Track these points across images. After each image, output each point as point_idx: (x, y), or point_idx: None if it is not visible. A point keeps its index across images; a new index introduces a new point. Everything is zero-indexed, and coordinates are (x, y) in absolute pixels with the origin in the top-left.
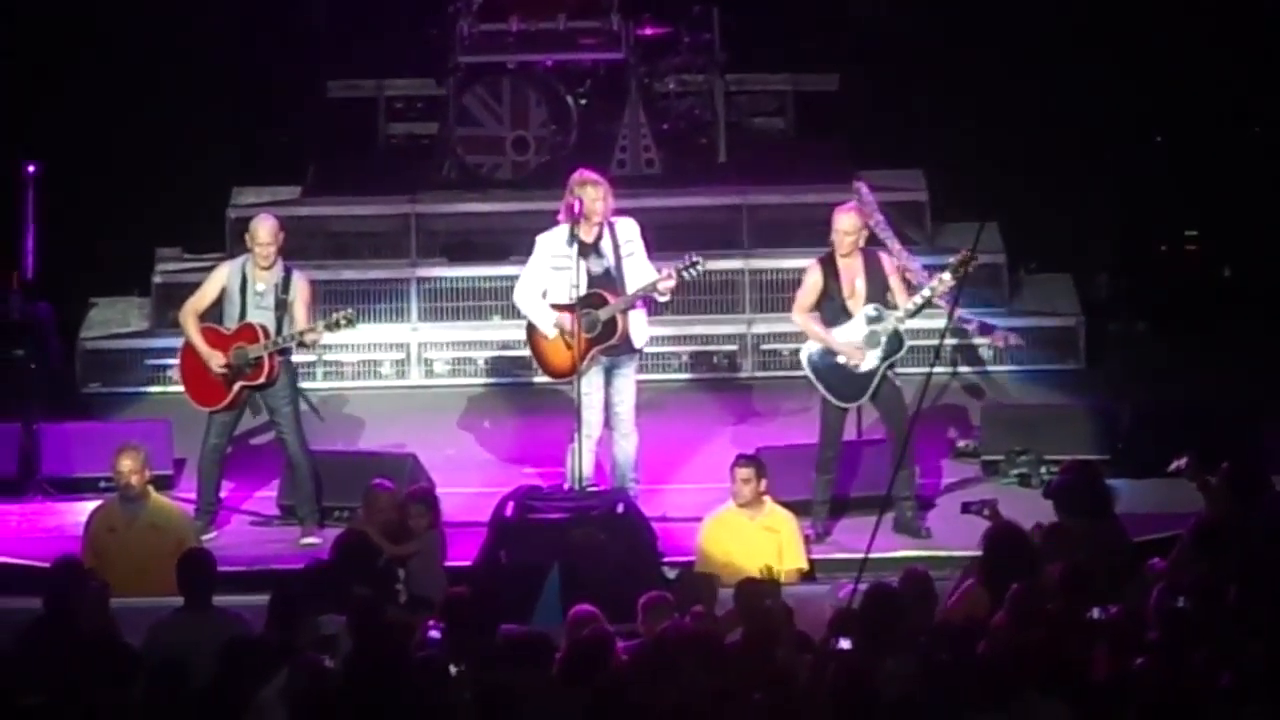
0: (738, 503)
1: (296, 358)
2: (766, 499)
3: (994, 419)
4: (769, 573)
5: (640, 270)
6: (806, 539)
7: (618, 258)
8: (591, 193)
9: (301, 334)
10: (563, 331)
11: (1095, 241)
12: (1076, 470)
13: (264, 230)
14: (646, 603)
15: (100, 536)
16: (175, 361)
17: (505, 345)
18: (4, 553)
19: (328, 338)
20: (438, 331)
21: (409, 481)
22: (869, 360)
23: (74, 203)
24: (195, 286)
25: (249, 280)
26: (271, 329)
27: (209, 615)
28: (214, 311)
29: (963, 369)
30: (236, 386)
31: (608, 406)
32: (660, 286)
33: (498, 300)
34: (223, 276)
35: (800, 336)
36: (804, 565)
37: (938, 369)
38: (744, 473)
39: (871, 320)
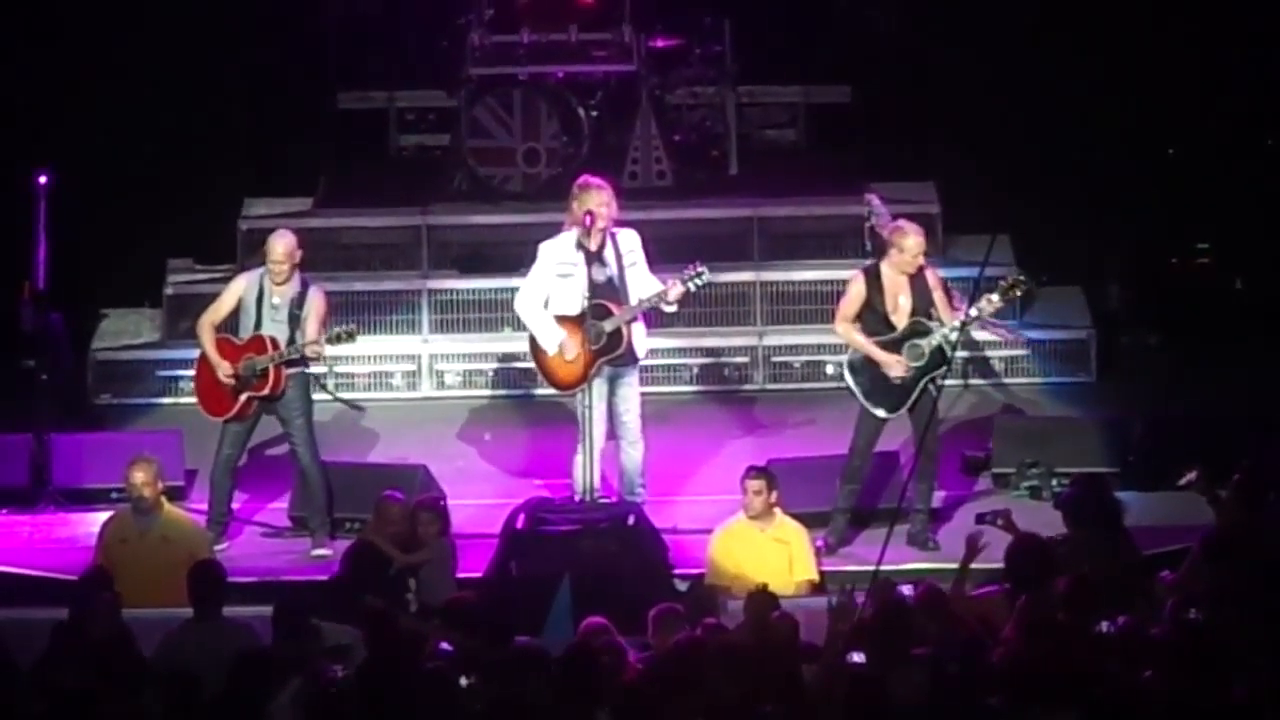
0: (748, 515)
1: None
2: (777, 511)
3: (1005, 431)
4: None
5: (642, 280)
6: (818, 550)
7: (620, 267)
8: (598, 197)
9: (304, 348)
10: (561, 351)
11: (1107, 254)
12: (1085, 483)
13: (279, 247)
14: (657, 615)
15: (112, 547)
16: (187, 373)
17: (516, 357)
18: (16, 564)
19: (330, 351)
20: (449, 343)
21: (419, 493)
22: (910, 373)
23: (86, 214)
24: (207, 298)
25: (265, 293)
26: (283, 341)
27: (219, 626)
28: (231, 322)
29: (974, 381)
30: (243, 397)
31: (614, 416)
32: (669, 296)
33: (509, 312)
34: (240, 288)
35: (812, 349)
36: (814, 577)
37: (950, 381)
38: (755, 485)
39: (916, 333)
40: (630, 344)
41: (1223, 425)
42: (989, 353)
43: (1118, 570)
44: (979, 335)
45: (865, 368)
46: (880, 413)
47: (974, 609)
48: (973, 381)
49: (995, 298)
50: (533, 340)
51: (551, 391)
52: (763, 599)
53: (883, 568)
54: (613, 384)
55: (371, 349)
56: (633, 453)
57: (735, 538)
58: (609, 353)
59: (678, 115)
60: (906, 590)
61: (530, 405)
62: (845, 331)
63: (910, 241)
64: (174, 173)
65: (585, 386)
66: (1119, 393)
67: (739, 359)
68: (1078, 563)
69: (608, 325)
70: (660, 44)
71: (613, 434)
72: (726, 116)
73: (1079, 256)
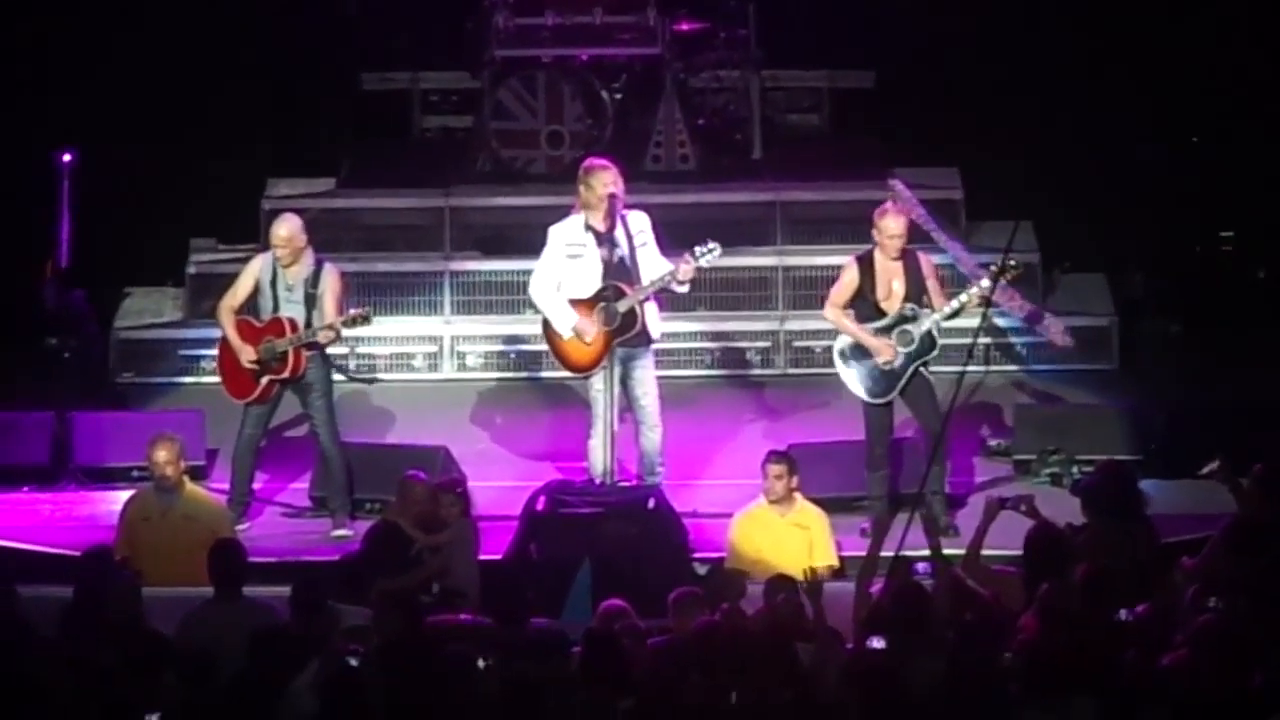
0: (769, 499)
1: (329, 349)
2: (798, 496)
3: (1027, 418)
4: (811, 574)
5: (653, 261)
6: (862, 532)
7: (631, 248)
8: (605, 177)
9: (317, 331)
10: (578, 335)
11: (1130, 242)
12: (1110, 471)
13: (280, 231)
14: (677, 598)
15: (134, 526)
16: (209, 352)
17: (537, 339)
18: (36, 541)
19: (346, 333)
20: (471, 325)
21: (440, 474)
22: (899, 359)
23: (109, 193)
24: (229, 277)
25: (279, 275)
26: (301, 322)
27: (239, 605)
28: (252, 304)
29: (996, 368)
30: (264, 380)
31: (631, 400)
32: (680, 274)
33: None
34: (255, 270)
35: (833, 334)
36: (834, 562)
37: (972, 367)
38: (776, 469)
39: (906, 319)
40: (644, 325)
41: (1244, 414)
42: (1011, 339)
43: (1137, 559)
44: (1005, 322)
45: (855, 353)
46: (869, 398)
47: (989, 582)
48: (994, 368)
49: (985, 282)
50: (546, 324)
51: (572, 374)
52: (782, 584)
53: (905, 553)
54: (627, 366)
55: (393, 330)
56: (652, 435)
57: (755, 522)
58: (623, 333)
59: (701, 99)
60: (922, 568)
61: (552, 387)
62: (835, 317)
63: (887, 222)
64: (198, 152)
65: (600, 369)
66: (1141, 381)
67: (761, 343)
68: (1096, 551)
69: (621, 305)
70: (684, 27)
71: (629, 416)
72: (750, 100)
73: (1102, 244)
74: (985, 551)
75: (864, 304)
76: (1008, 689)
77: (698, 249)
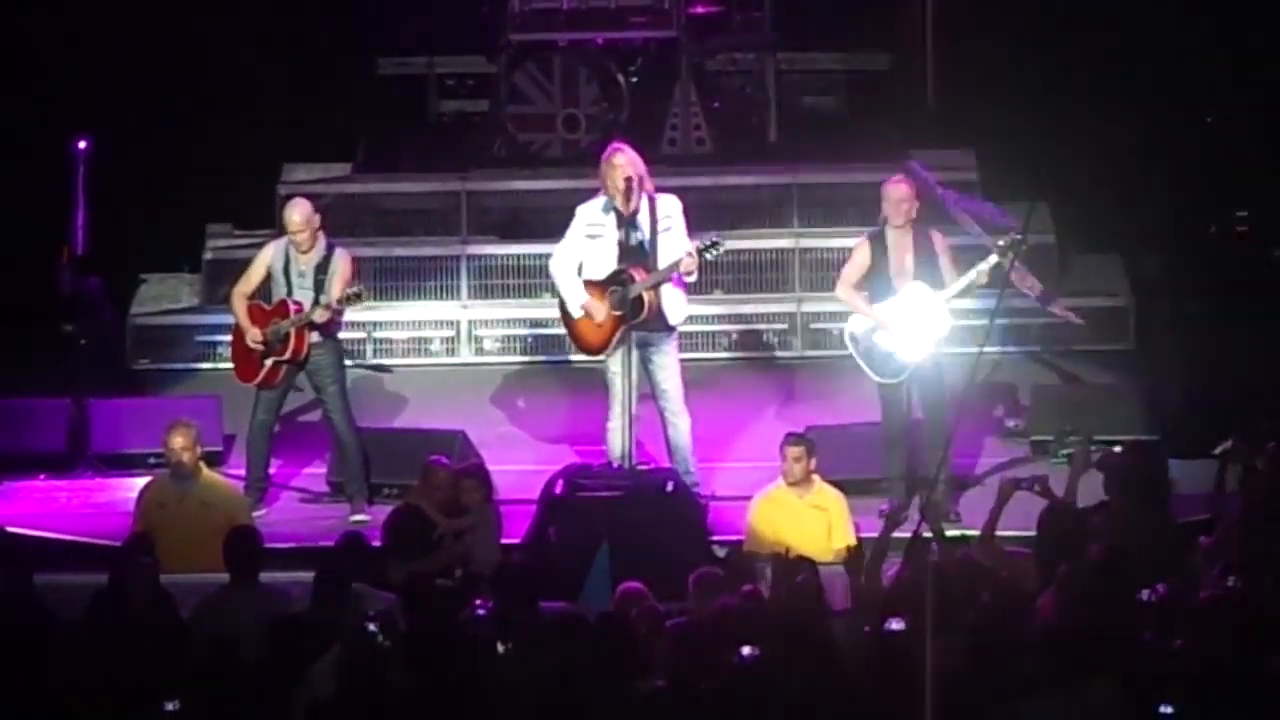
0: (787, 481)
1: (344, 334)
2: (816, 478)
3: (1043, 399)
4: (853, 550)
5: (676, 247)
6: (880, 513)
7: (654, 232)
8: (618, 160)
9: (315, 311)
10: (588, 315)
11: (1146, 222)
12: (1140, 451)
13: (295, 216)
14: (698, 579)
15: (151, 512)
16: (225, 338)
17: (555, 323)
18: (54, 528)
19: (360, 316)
20: (488, 309)
21: (459, 459)
22: (910, 338)
23: (125, 179)
24: (245, 263)
25: (291, 260)
26: (307, 306)
27: (255, 591)
28: (265, 291)
29: (1012, 348)
30: (269, 363)
31: (653, 386)
32: (682, 266)
33: (548, 278)
34: (268, 257)
35: (850, 315)
36: (853, 543)
37: (988, 348)
38: (794, 451)
39: (913, 297)
40: (659, 311)
41: (1261, 393)
42: (1027, 320)
43: (1156, 539)
44: (1015, 303)
45: (867, 335)
46: (881, 379)
47: (1003, 563)
48: (1010, 349)
49: (994, 258)
50: (562, 304)
51: (589, 358)
52: (789, 564)
53: (922, 535)
54: (646, 351)
55: (410, 314)
56: (680, 425)
57: (774, 504)
58: (633, 318)
59: (717, 82)
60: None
61: (569, 371)
62: (846, 296)
63: (889, 190)
64: (213, 138)
65: (612, 352)
66: (1157, 360)
67: (778, 326)
68: (1115, 531)
69: (631, 291)
70: (700, 10)
71: (649, 400)
72: (766, 83)
73: (1118, 224)
74: (1001, 533)
75: (878, 282)
76: (1026, 670)
77: (702, 243)
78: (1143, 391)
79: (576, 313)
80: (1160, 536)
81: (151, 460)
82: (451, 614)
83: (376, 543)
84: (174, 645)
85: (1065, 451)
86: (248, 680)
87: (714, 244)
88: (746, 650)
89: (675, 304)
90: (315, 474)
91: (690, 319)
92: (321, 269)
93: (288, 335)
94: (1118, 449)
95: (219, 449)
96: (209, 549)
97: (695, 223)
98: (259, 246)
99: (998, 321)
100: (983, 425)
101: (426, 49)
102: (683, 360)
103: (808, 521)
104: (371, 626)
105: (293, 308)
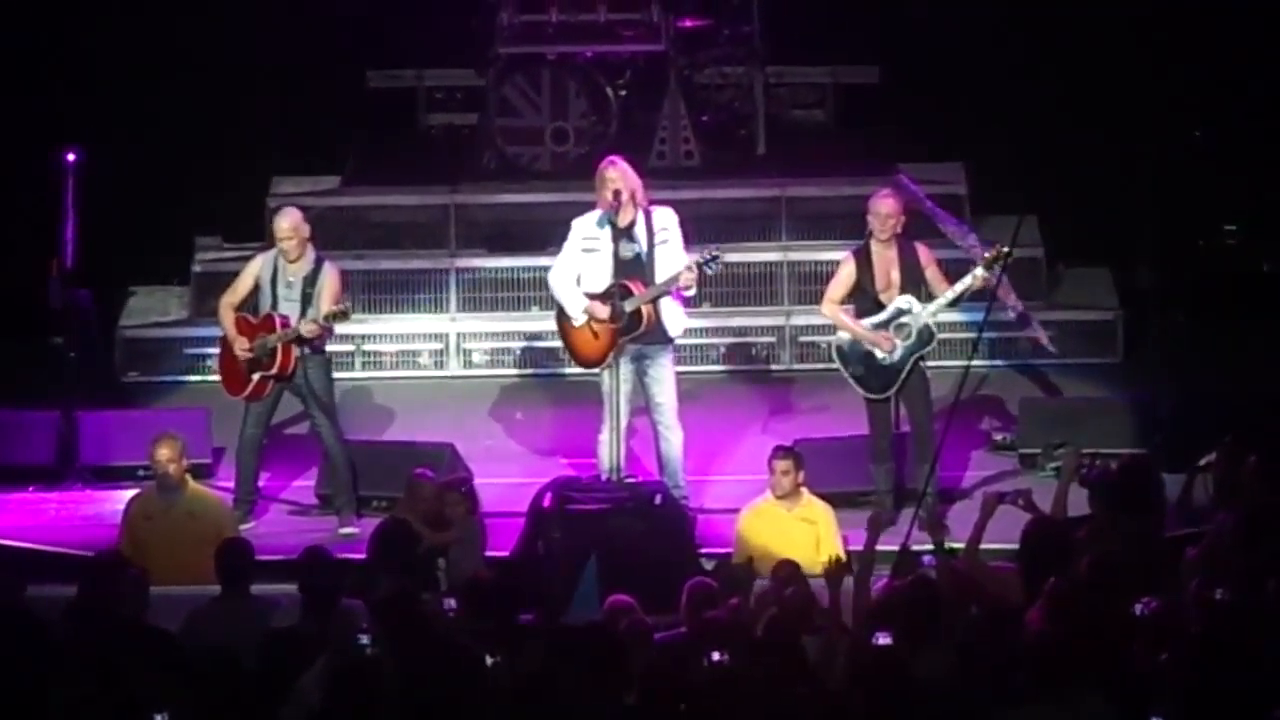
0: (775, 494)
1: (332, 347)
2: (804, 490)
3: (1032, 412)
4: (834, 564)
5: (673, 260)
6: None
7: (650, 245)
8: (609, 174)
9: (302, 326)
10: (591, 319)
11: (1135, 235)
12: (1131, 465)
13: (284, 223)
14: (691, 589)
15: (138, 524)
16: (214, 350)
17: (544, 336)
18: (43, 540)
19: (346, 330)
20: (477, 322)
21: (447, 471)
22: (898, 352)
23: (114, 192)
24: (234, 276)
25: (280, 272)
26: (294, 320)
27: (246, 603)
28: (252, 302)
29: (1001, 361)
30: (256, 376)
31: (647, 398)
32: (681, 280)
33: (537, 291)
34: (256, 268)
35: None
36: (841, 556)
37: (976, 362)
38: (782, 464)
39: (903, 312)
40: (658, 324)
41: (1248, 406)
42: (1015, 334)
43: (1145, 553)
44: (1002, 316)
45: (853, 349)
46: (869, 394)
47: (987, 578)
48: (999, 362)
49: (980, 271)
50: (559, 317)
51: (579, 371)
52: (792, 576)
53: (911, 547)
54: (642, 364)
55: (399, 328)
56: (672, 439)
57: (762, 517)
58: (629, 332)
59: (706, 95)
60: (928, 561)
61: (558, 384)
62: (831, 312)
63: (877, 205)
64: (202, 150)
65: (609, 364)
66: (1146, 373)
67: (766, 339)
68: (1100, 544)
69: (628, 305)
70: (689, 24)
71: (644, 414)
72: (754, 97)
73: (1107, 237)
74: (986, 546)
75: (864, 297)
76: (1015, 683)
77: (702, 258)
78: (1132, 404)
79: (580, 318)
80: (1150, 550)
81: (140, 472)
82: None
83: (357, 556)
84: (164, 657)
85: (1054, 465)
86: (238, 691)
87: (714, 258)
88: (716, 655)
89: (674, 317)
90: (304, 486)
91: (684, 331)
92: (310, 281)
93: (275, 350)
94: (1103, 462)
95: (208, 461)
96: (195, 561)
97: (684, 236)
98: (248, 259)
99: (986, 335)
100: (970, 438)
101: (416, 62)
102: (676, 372)
103: (796, 534)
104: (362, 639)
105: (279, 322)
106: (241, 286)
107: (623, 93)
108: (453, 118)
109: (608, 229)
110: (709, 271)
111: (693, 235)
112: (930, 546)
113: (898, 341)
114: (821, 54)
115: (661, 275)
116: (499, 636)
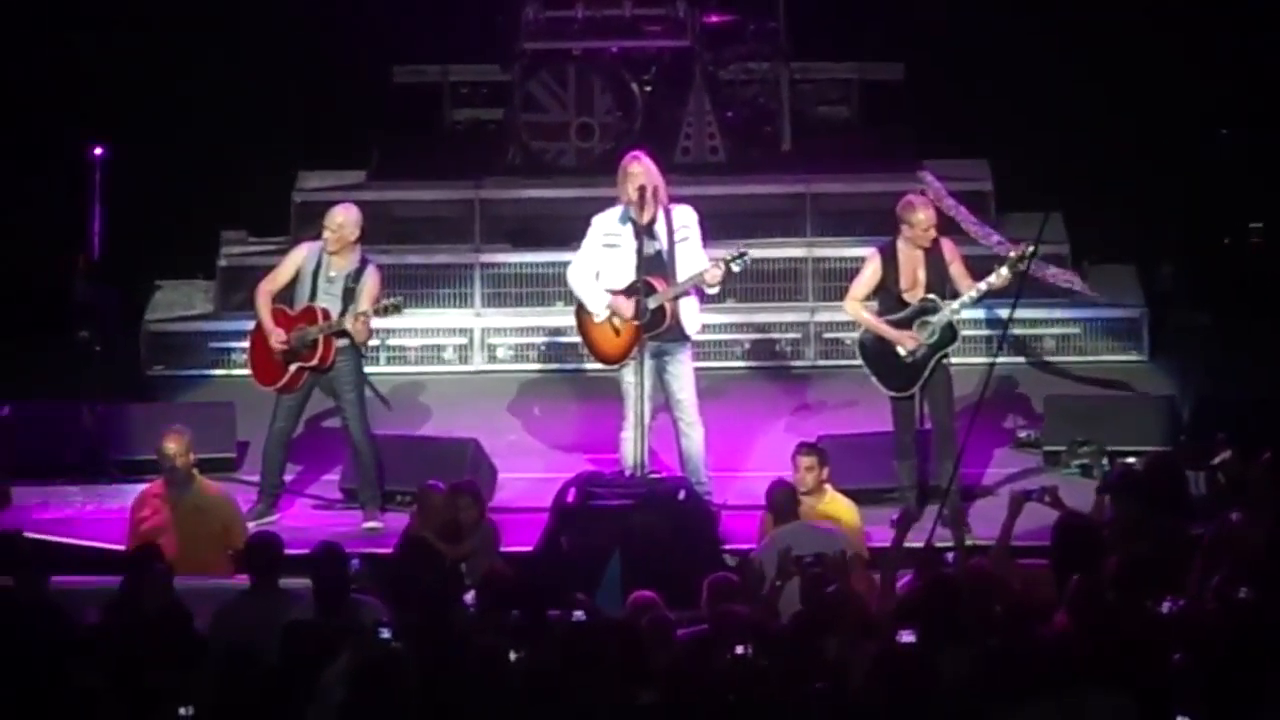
0: (800, 490)
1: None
2: (828, 487)
3: (1056, 409)
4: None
5: (693, 257)
6: (892, 523)
7: (671, 242)
8: (633, 169)
9: (347, 319)
10: (616, 316)
11: (1160, 233)
12: (1159, 466)
13: (336, 217)
14: (712, 584)
15: (145, 518)
16: (240, 345)
17: (568, 331)
18: (69, 534)
19: (378, 323)
20: (501, 317)
21: (470, 467)
22: (921, 349)
23: (140, 186)
24: (260, 270)
25: (323, 265)
26: (335, 314)
27: (276, 597)
28: (287, 294)
29: (1026, 359)
30: (293, 367)
31: (668, 395)
32: (707, 277)
33: (561, 286)
34: (299, 258)
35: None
36: (864, 554)
37: (1001, 358)
38: (806, 460)
39: (926, 310)
40: (676, 321)
41: (1272, 404)
42: (1041, 331)
43: (1171, 551)
44: (1034, 314)
45: (876, 346)
46: (891, 391)
47: (1015, 576)
48: (1024, 359)
49: (1004, 270)
50: (579, 313)
51: (602, 366)
52: (834, 569)
53: (935, 545)
54: (662, 361)
55: (423, 322)
56: (693, 435)
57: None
58: (652, 329)
59: (731, 91)
60: (953, 559)
61: (581, 380)
62: (854, 310)
63: (920, 215)
64: (228, 145)
65: (630, 361)
66: (1171, 371)
67: (791, 335)
68: (1128, 543)
69: (650, 301)
70: (714, 20)
71: (666, 411)
72: (780, 93)
73: (1132, 235)
74: (1016, 544)
75: (887, 296)
76: (1039, 682)
77: (729, 255)
78: (1156, 402)
79: (601, 315)
80: (1177, 549)
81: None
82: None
83: (382, 550)
84: (189, 651)
85: (1078, 462)
86: (263, 685)
87: (740, 256)
88: (739, 649)
89: (692, 314)
90: (330, 481)
91: (704, 328)
92: (353, 279)
93: (315, 341)
94: (1130, 460)
95: (233, 455)
96: (202, 555)
97: (708, 232)
98: (274, 254)
99: (1011, 332)
100: (995, 436)
101: (441, 58)
102: (696, 369)
103: None
104: (384, 632)
105: (321, 315)
106: (282, 275)
107: (648, 88)
108: (478, 113)
109: (629, 225)
110: (736, 269)
111: (717, 231)
112: (953, 544)
113: (921, 339)
114: (846, 50)
115: (683, 273)
116: (521, 631)
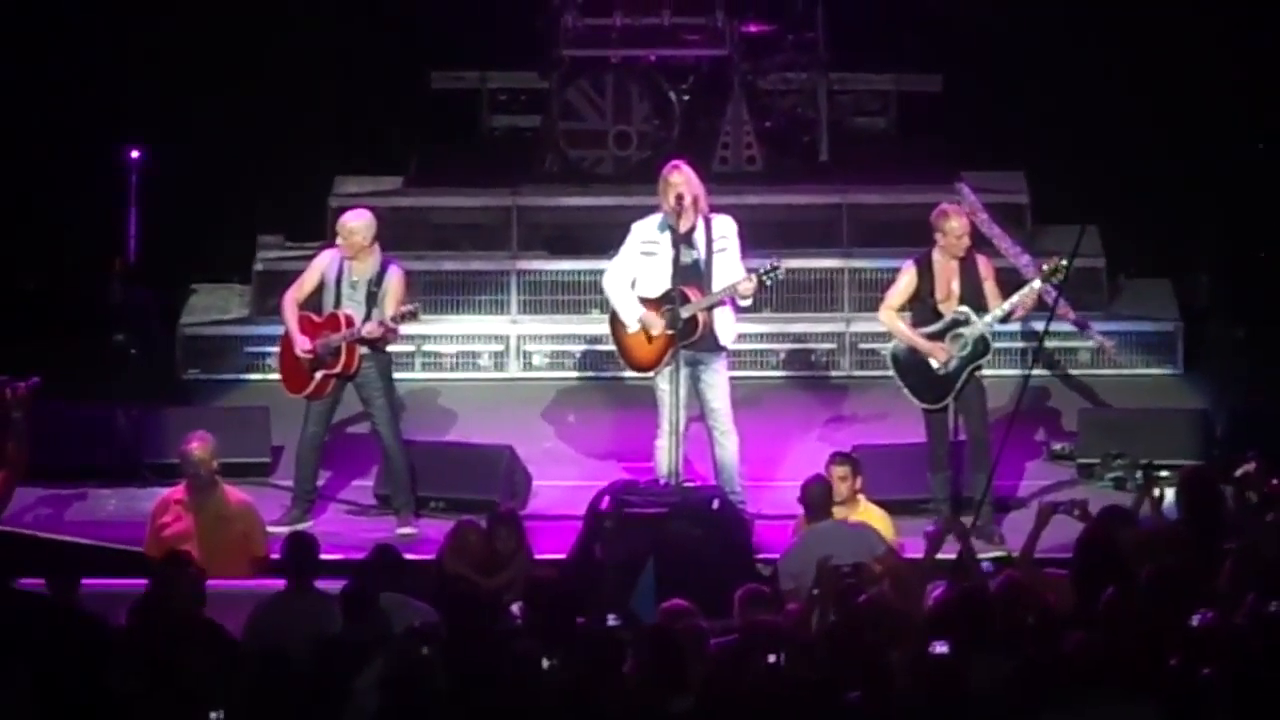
0: (834, 500)
1: (392, 348)
2: (861, 497)
3: (1091, 422)
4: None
5: (730, 268)
6: (926, 535)
7: (709, 252)
8: (673, 178)
9: (363, 328)
10: (645, 328)
11: (1195, 246)
12: (1194, 479)
13: (348, 222)
14: (744, 595)
15: (167, 523)
16: (275, 349)
17: (604, 339)
18: (103, 538)
19: (413, 329)
20: (537, 324)
21: (505, 474)
22: (953, 362)
23: (177, 189)
24: (295, 274)
25: (345, 271)
26: (359, 320)
27: (313, 598)
28: (315, 300)
29: (1060, 372)
30: (319, 375)
31: (702, 404)
32: (740, 289)
33: (597, 294)
34: (322, 265)
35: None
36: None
37: (1035, 371)
38: (840, 470)
39: (959, 323)
40: (711, 330)
41: None
42: (1076, 343)
43: (1205, 564)
44: (1061, 326)
45: (908, 358)
46: (924, 403)
47: (1041, 584)
48: (1059, 372)
49: (1037, 283)
50: (613, 320)
51: (638, 375)
52: (834, 576)
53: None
54: (696, 369)
55: (459, 329)
56: (727, 444)
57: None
58: (685, 338)
59: (769, 101)
60: (987, 567)
61: (617, 388)
62: (889, 320)
63: (953, 224)
64: (266, 149)
65: (662, 370)
66: (1206, 385)
67: (826, 345)
68: (1164, 555)
69: (684, 311)
70: (753, 29)
71: (701, 420)
72: (818, 103)
73: (1167, 249)
74: (1041, 555)
75: (922, 307)
76: (1071, 691)
77: (762, 268)
78: (1190, 415)
79: (633, 326)
80: (1210, 561)
81: None
82: (490, 624)
83: (418, 557)
84: (220, 654)
85: (1112, 475)
86: (296, 690)
87: (774, 269)
88: (772, 658)
89: (726, 324)
90: (363, 486)
91: (739, 337)
92: (375, 283)
93: (339, 349)
94: (1164, 474)
95: (267, 460)
96: (224, 561)
97: (746, 241)
98: (310, 259)
99: (1045, 345)
100: (1028, 448)
101: (480, 64)
102: (731, 379)
103: None
104: (415, 639)
105: (344, 321)
106: (307, 283)
107: (686, 97)
108: (516, 120)
109: (668, 234)
110: (768, 283)
111: (755, 240)
112: (987, 555)
113: (953, 351)
114: (884, 61)
115: (719, 283)
116: (557, 638)
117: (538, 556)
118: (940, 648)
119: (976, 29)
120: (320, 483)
